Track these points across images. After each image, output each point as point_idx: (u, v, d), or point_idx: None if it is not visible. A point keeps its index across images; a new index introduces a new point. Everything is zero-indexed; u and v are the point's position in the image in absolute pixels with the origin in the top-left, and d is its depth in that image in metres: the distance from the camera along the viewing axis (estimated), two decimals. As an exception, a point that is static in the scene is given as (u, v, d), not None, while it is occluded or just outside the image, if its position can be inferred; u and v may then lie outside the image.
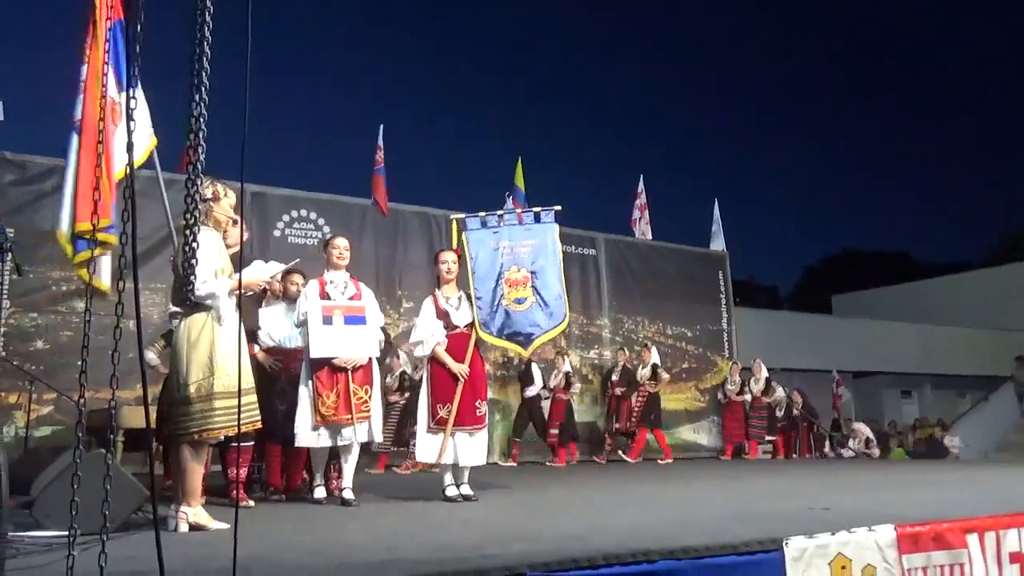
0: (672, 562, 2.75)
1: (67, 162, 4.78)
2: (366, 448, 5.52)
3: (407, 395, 8.47)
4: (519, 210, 5.78)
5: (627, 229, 13.09)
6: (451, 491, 5.07)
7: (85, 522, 2.09)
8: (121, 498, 3.27)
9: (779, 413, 12.23)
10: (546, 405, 10.13)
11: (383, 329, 5.54)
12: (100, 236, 4.27)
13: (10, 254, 3.72)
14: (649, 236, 13.01)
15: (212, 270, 3.74)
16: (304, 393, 4.91)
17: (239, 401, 3.43)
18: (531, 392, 9.86)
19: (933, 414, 17.48)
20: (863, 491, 5.79)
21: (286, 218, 9.69)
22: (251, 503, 4.87)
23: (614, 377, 10.84)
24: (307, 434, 4.88)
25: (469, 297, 5.40)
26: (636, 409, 10.45)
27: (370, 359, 5.03)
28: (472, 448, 5.13)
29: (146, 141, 5.15)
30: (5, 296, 7.47)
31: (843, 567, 3.09)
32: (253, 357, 5.05)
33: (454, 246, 5.70)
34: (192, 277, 3.37)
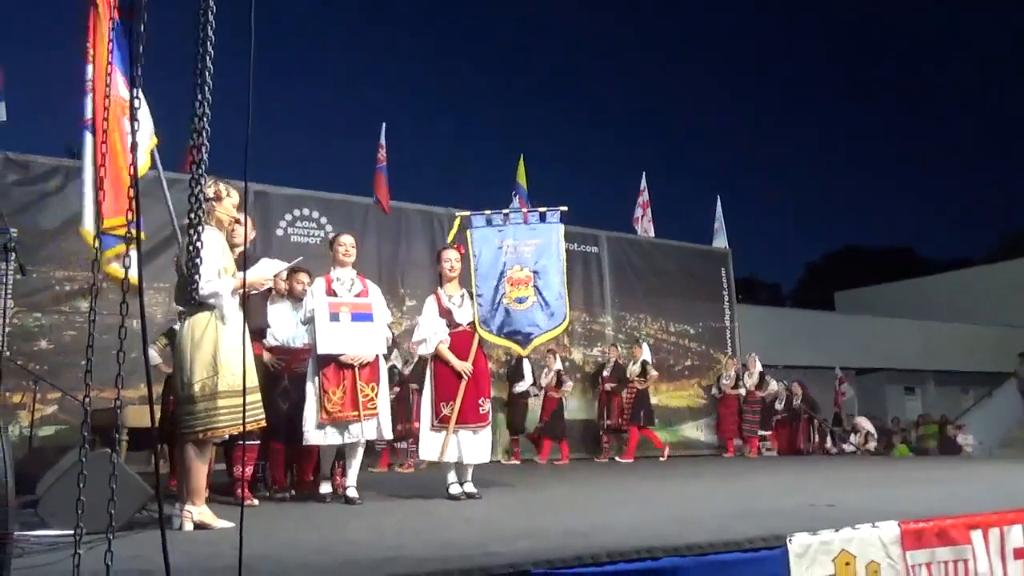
0: (676, 559, 2.76)
1: (83, 160, 4.81)
2: (368, 446, 5.52)
3: (396, 389, 8.47)
4: (525, 210, 5.78)
5: (629, 227, 13.09)
6: (455, 489, 5.07)
7: (90, 521, 2.10)
8: (126, 497, 3.28)
9: (779, 406, 12.24)
10: (537, 403, 10.11)
11: (388, 327, 5.54)
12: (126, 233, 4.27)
13: (14, 254, 3.73)
14: (651, 234, 13.00)
15: (215, 269, 3.75)
16: (311, 390, 4.92)
17: (244, 400, 3.44)
18: (520, 388, 9.84)
19: (936, 410, 17.47)
20: (866, 487, 5.79)
21: (288, 217, 9.69)
22: (255, 501, 4.88)
23: (605, 373, 10.81)
24: (314, 432, 4.88)
25: (471, 295, 5.41)
26: (627, 406, 10.44)
27: (377, 356, 5.03)
28: (476, 446, 5.13)
29: (147, 141, 5.16)
30: (9, 296, 7.47)
31: (847, 563, 3.09)
32: (260, 357, 5.06)
33: (450, 241, 5.69)
34: (196, 276, 3.37)
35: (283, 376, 5.34)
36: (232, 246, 4.24)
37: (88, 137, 4.75)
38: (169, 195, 5.49)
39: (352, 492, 4.88)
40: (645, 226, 13.01)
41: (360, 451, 5.03)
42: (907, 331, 18.87)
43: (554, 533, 3.33)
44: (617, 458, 10.38)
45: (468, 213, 5.74)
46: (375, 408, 4.92)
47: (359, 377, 4.87)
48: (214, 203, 3.89)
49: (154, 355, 6.27)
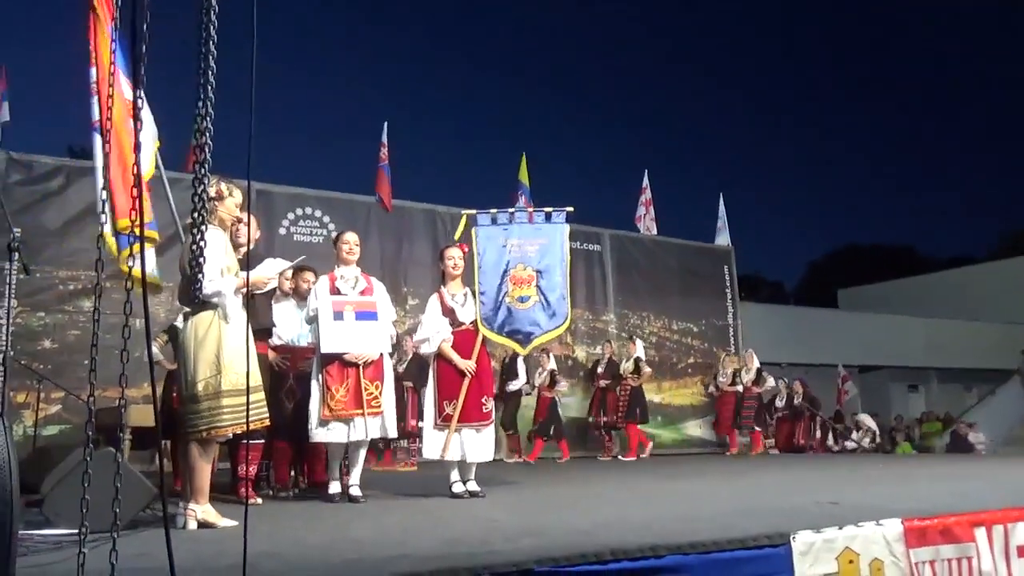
0: (679, 557, 2.75)
1: (95, 161, 4.83)
2: (372, 444, 5.52)
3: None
4: (531, 209, 5.78)
5: (632, 225, 13.09)
6: (458, 487, 5.08)
7: (95, 520, 2.10)
8: (130, 496, 3.28)
9: (779, 403, 12.24)
10: (531, 402, 10.09)
11: (392, 324, 5.54)
12: (146, 232, 4.30)
13: (17, 254, 3.74)
14: (654, 231, 12.99)
15: (218, 268, 3.75)
16: (315, 388, 4.92)
17: (247, 398, 3.44)
18: (514, 387, 9.81)
19: (940, 408, 17.48)
20: (869, 485, 5.79)
21: (291, 216, 9.71)
22: (259, 500, 4.89)
23: (599, 369, 10.78)
24: (318, 429, 4.88)
25: (474, 293, 5.41)
26: (621, 403, 10.41)
27: (381, 355, 5.02)
28: (479, 444, 5.13)
29: (150, 143, 5.17)
30: (13, 295, 7.49)
31: (850, 561, 3.09)
32: (265, 356, 5.06)
33: (457, 239, 5.69)
34: (199, 275, 3.38)
35: (288, 375, 5.34)
36: (235, 245, 4.25)
37: (97, 139, 4.76)
38: (171, 195, 5.51)
39: (356, 490, 4.88)
40: (648, 224, 13.01)
41: (364, 450, 5.03)
42: (910, 328, 18.85)
43: (558, 531, 3.33)
44: (620, 456, 10.38)
45: (474, 211, 5.74)
46: (379, 406, 4.92)
47: (363, 375, 4.87)
48: (216, 202, 3.89)
49: (156, 352, 6.29)
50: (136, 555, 2.71)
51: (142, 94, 2.27)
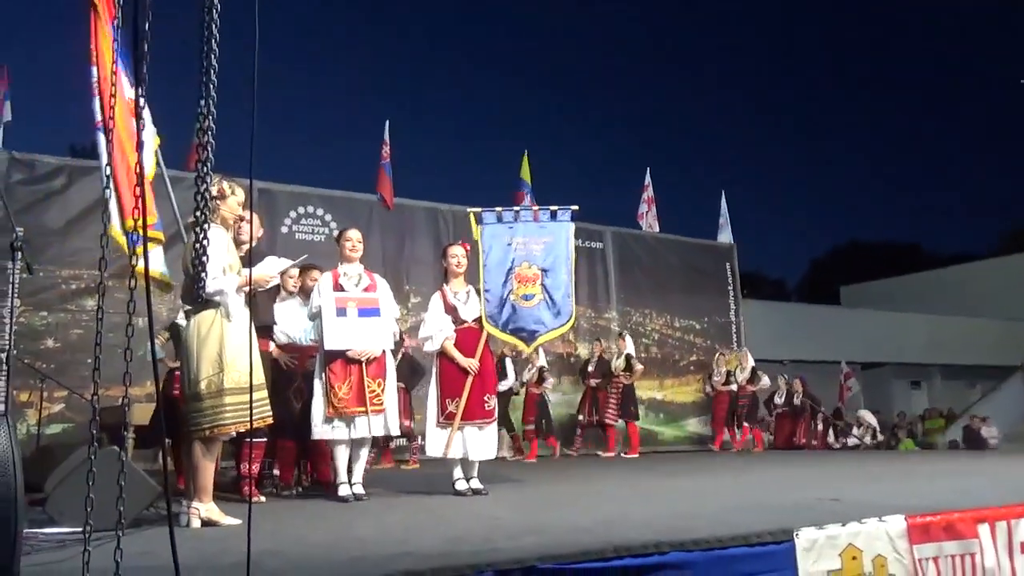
0: (683, 553, 2.76)
1: (101, 161, 4.83)
2: (374, 442, 5.52)
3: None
4: (536, 208, 5.78)
5: (634, 222, 13.08)
6: (461, 485, 5.08)
7: (98, 518, 2.11)
8: (134, 494, 3.29)
9: (779, 399, 12.24)
10: (517, 400, 10.05)
11: (395, 321, 5.53)
12: (150, 233, 4.30)
13: (20, 253, 3.74)
14: (656, 229, 12.98)
15: (221, 267, 3.76)
16: (317, 386, 4.92)
17: (251, 397, 3.45)
18: (503, 387, 9.74)
19: (943, 404, 17.45)
20: (873, 482, 5.79)
21: (293, 214, 9.71)
22: (262, 499, 4.89)
23: (590, 368, 10.70)
24: (321, 426, 4.88)
25: (478, 291, 5.42)
26: (613, 402, 10.36)
27: (384, 352, 5.02)
28: (481, 442, 5.14)
29: (151, 141, 5.17)
30: (16, 295, 7.50)
31: (854, 558, 3.09)
32: (267, 353, 5.06)
33: (477, 239, 5.68)
34: (203, 274, 3.38)
35: (297, 374, 5.34)
36: (237, 244, 4.25)
37: (102, 138, 4.76)
38: (173, 193, 5.52)
39: (359, 489, 4.89)
40: (650, 222, 12.99)
41: (366, 448, 5.03)
42: (913, 325, 18.83)
43: (560, 528, 3.33)
44: (624, 454, 10.39)
45: (479, 210, 5.74)
46: (382, 404, 4.91)
47: (366, 373, 4.87)
48: (218, 201, 3.90)
49: (158, 350, 6.29)
50: (140, 553, 2.72)
51: (143, 92, 2.27)
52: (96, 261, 2.10)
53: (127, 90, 4.64)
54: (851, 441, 12.51)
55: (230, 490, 5.09)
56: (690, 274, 12.79)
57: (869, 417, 13.12)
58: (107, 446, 3.80)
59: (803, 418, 12.20)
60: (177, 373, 4.57)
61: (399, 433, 5.86)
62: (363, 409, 4.82)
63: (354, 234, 5.18)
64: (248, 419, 3.67)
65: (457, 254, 5.36)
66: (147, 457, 6.54)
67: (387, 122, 10.53)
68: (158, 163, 5.34)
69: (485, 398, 5.18)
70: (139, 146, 2.07)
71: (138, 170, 2.09)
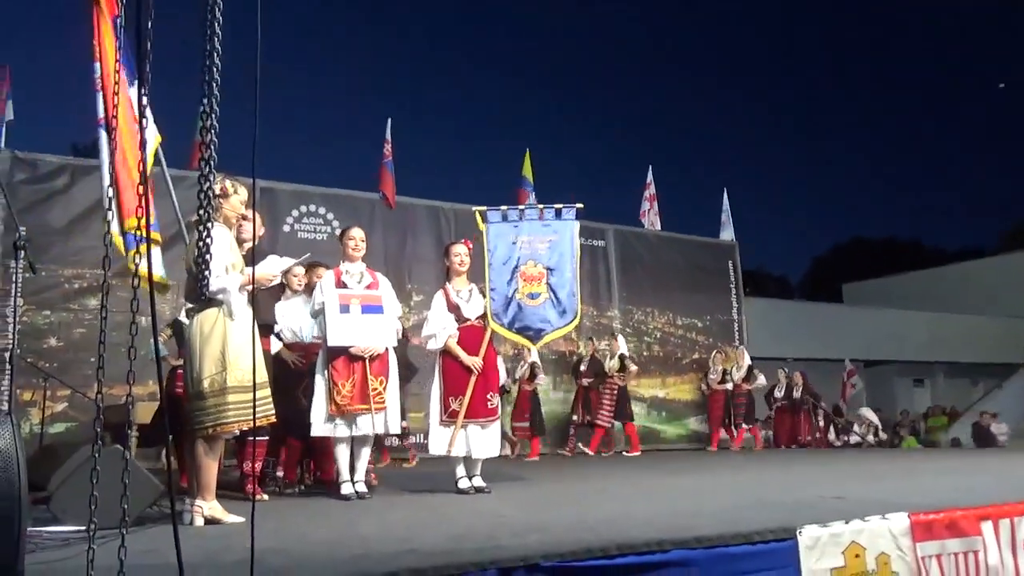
0: (686, 551, 2.76)
1: (102, 159, 4.82)
2: (376, 441, 5.51)
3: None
4: (541, 206, 5.78)
5: (636, 220, 13.06)
6: (464, 483, 5.08)
7: (102, 517, 2.11)
8: (137, 493, 3.30)
9: (778, 393, 12.21)
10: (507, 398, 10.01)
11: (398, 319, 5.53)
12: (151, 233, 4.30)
13: (23, 252, 3.74)
14: (658, 227, 12.97)
15: (223, 266, 3.76)
16: (320, 383, 4.92)
17: (254, 395, 3.45)
18: None
19: (946, 402, 17.44)
20: (875, 479, 5.78)
21: (295, 213, 9.71)
22: (265, 497, 4.90)
23: (582, 367, 10.63)
24: (322, 424, 4.88)
25: (481, 290, 5.41)
26: (607, 403, 10.32)
27: (387, 349, 5.02)
28: (485, 440, 5.14)
29: (152, 140, 5.17)
30: (19, 294, 7.51)
31: (857, 555, 3.09)
32: (268, 352, 5.06)
33: (481, 237, 5.67)
34: (206, 272, 3.39)
35: (305, 373, 5.33)
36: (240, 242, 4.26)
37: (103, 135, 4.76)
38: (174, 192, 5.51)
39: (361, 487, 4.89)
40: (652, 220, 12.98)
41: (368, 446, 5.03)
42: (915, 323, 18.81)
43: (564, 526, 3.33)
44: (625, 452, 10.39)
45: (484, 208, 5.74)
46: (383, 402, 4.91)
47: (369, 370, 4.87)
48: (221, 200, 3.90)
49: (160, 347, 6.29)
50: (144, 551, 2.72)
51: (146, 91, 2.27)
52: (99, 260, 2.10)
53: (129, 88, 4.65)
54: (853, 439, 12.50)
55: (233, 488, 5.10)
56: (692, 272, 12.78)
57: (870, 415, 13.11)
58: (110, 445, 3.81)
59: (803, 413, 12.18)
60: (180, 371, 4.57)
61: (399, 432, 5.86)
62: (366, 407, 4.82)
63: (357, 233, 5.18)
64: (251, 417, 3.67)
65: (460, 252, 5.36)
66: (150, 456, 6.56)
67: (388, 120, 10.53)
68: (157, 162, 5.34)
69: (488, 396, 5.18)
70: (142, 144, 2.07)
71: (140, 169, 2.09)
